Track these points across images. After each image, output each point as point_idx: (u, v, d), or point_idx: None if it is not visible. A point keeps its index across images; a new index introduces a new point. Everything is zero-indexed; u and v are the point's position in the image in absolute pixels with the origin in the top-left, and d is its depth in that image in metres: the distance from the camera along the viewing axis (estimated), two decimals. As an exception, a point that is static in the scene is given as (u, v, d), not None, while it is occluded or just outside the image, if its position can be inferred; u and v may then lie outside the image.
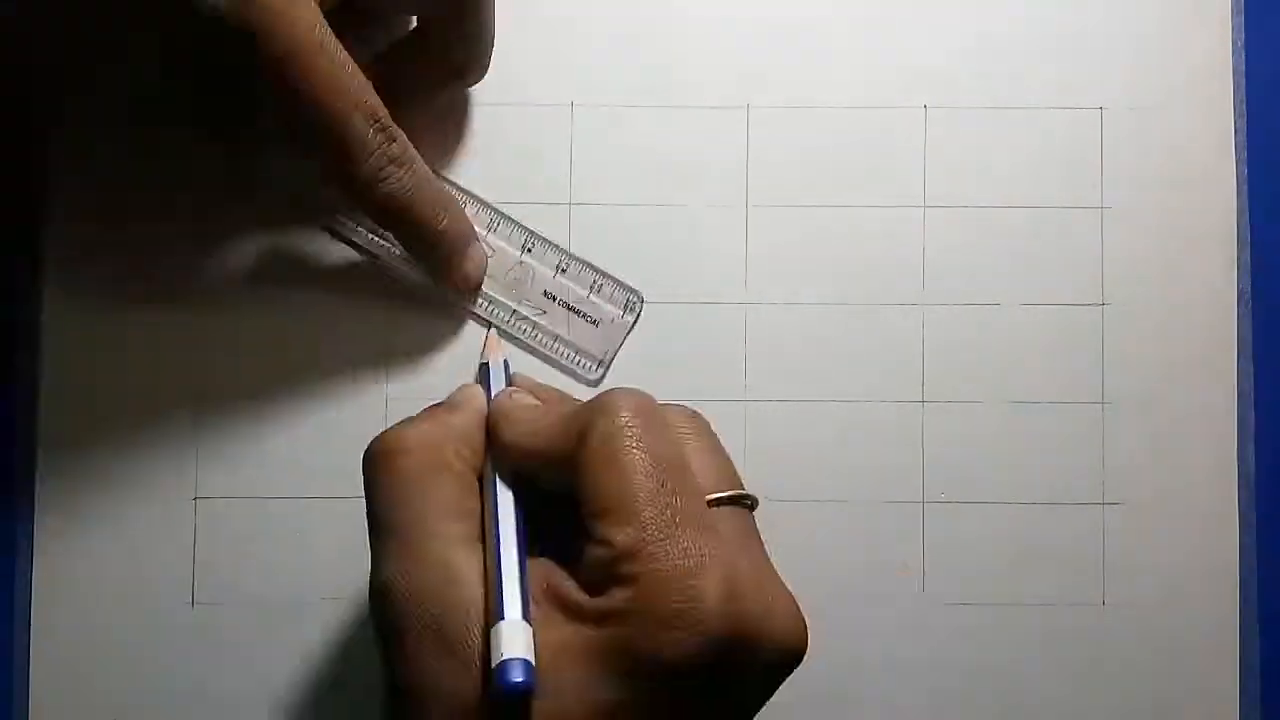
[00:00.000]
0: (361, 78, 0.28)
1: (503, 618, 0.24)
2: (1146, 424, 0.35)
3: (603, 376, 0.34)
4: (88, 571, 0.33)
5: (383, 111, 0.29)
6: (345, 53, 0.28)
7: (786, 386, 0.34)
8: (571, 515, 0.26)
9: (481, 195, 0.34)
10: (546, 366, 0.34)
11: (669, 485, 0.25)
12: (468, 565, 0.26)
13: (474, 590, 0.25)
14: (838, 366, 0.34)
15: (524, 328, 0.34)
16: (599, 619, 0.24)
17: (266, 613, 0.34)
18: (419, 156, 0.30)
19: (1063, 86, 0.35)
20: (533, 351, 0.34)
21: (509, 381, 0.32)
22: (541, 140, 0.35)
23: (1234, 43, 0.35)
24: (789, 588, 0.26)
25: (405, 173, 0.30)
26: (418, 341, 0.34)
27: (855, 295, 0.35)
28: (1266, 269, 0.35)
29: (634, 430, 0.26)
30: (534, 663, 0.23)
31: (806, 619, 0.26)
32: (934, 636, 0.34)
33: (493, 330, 0.34)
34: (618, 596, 0.24)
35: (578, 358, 0.34)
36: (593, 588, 0.25)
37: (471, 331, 0.34)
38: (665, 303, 0.34)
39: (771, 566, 0.27)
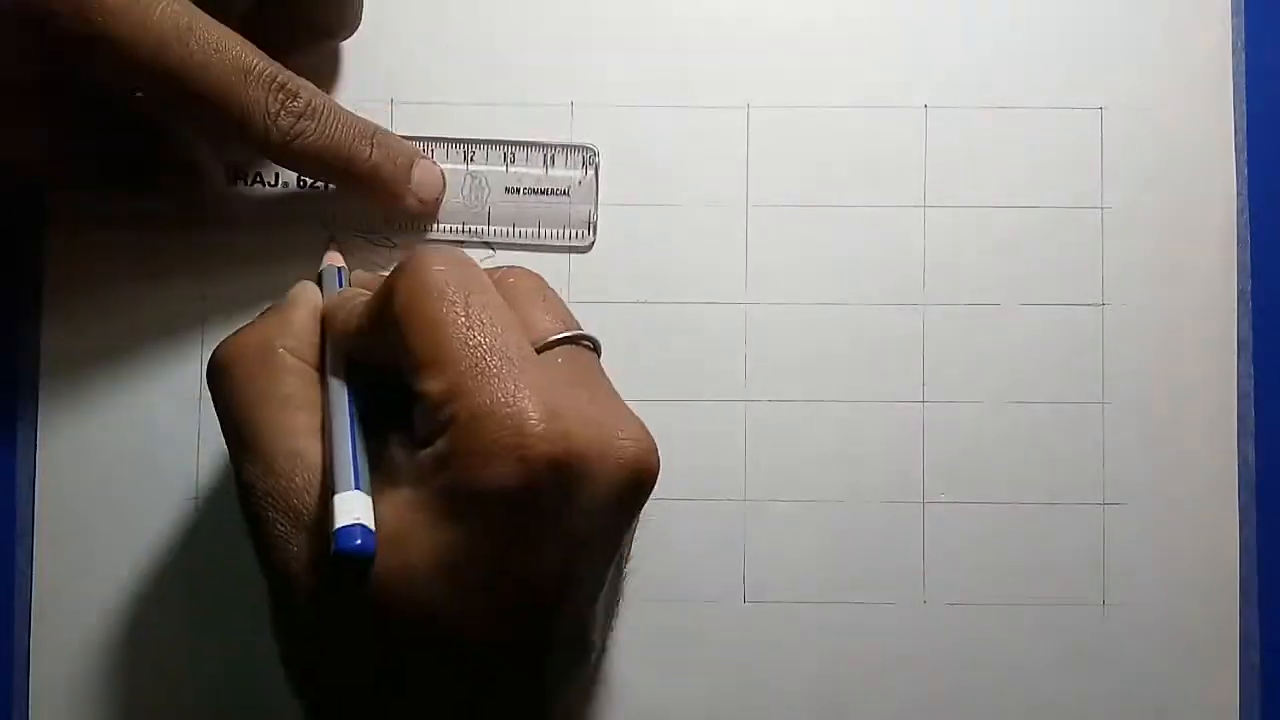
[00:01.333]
0: (241, 44, 0.28)
1: (333, 491, 0.25)
2: (1146, 424, 0.35)
3: (594, 240, 0.34)
4: (88, 571, 0.33)
5: (278, 71, 0.29)
6: (218, 26, 0.28)
7: (786, 386, 0.34)
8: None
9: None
10: (542, 255, 0.34)
11: (480, 327, 0.25)
12: (312, 451, 0.26)
13: (318, 473, 0.26)
14: (838, 366, 0.34)
15: (502, 231, 0.34)
16: (426, 470, 0.24)
17: (266, 613, 0.33)
18: (328, 100, 0.30)
19: (1063, 86, 0.35)
20: (524, 249, 0.34)
21: (345, 282, 0.32)
22: (541, 140, 0.35)
23: (1234, 43, 0.35)
24: (643, 423, 0.26)
25: (316, 124, 0.30)
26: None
27: (855, 295, 0.35)
28: (1266, 269, 0.35)
29: (438, 280, 0.26)
30: (371, 527, 0.24)
31: (656, 447, 0.26)
32: (934, 636, 0.34)
33: (330, 239, 0.34)
34: (440, 444, 0.24)
35: (565, 232, 0.34)
36: (421, 445, 0.25)
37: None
38: (665, 303, 0.34)
39: (615, 398, 0.27)
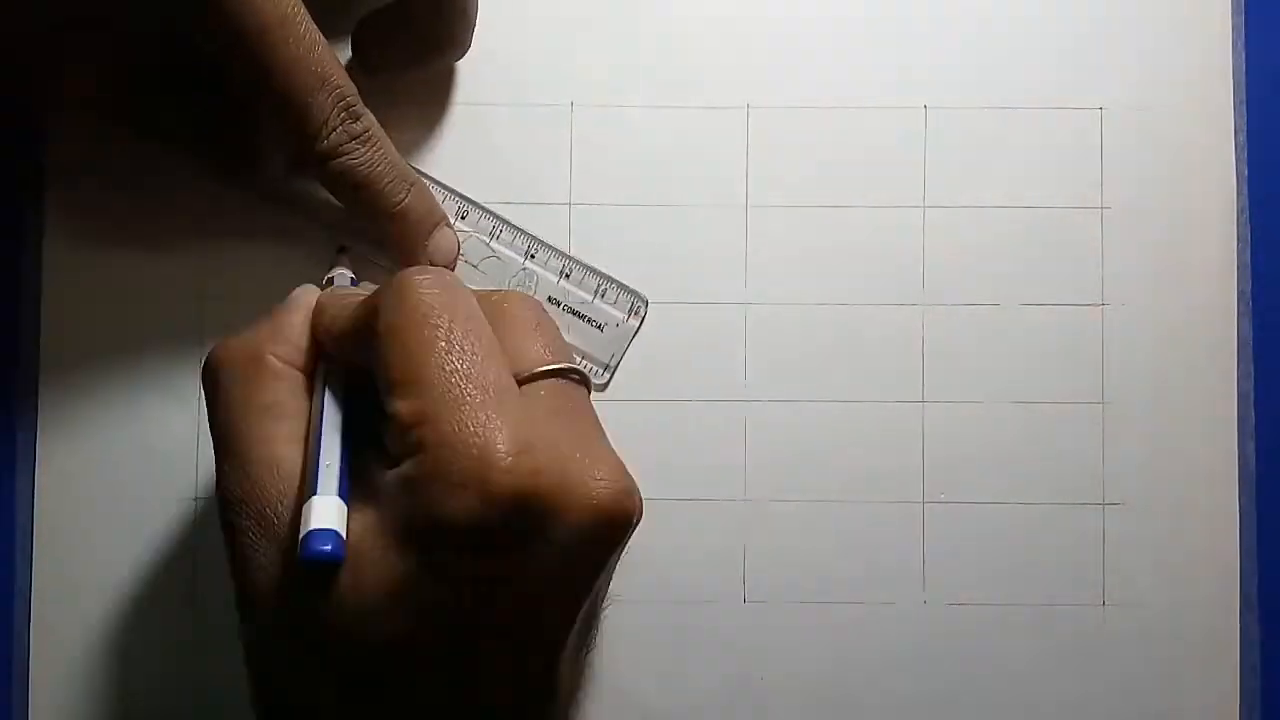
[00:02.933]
0: (327, 52, 0.28)
1: (307, 497, 0.24)
2: (1146, 424, 0.35)
3: (609, 381, 0.34)
4: (88, 571, 0.33)
5: (350, 91, 0.29)
6: (315, 29, 0.28)
7: (786, 386, 0.34)
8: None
9: (482, 197, 0.34)
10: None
11: (460, 354, 0.24)
12: (290, 458, 0.26)
13: (294, 480, 0.25)
14: (838, 366, 0.34)
15: None
16: (391, 493, 0.24)
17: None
18: (384, 135, 0.30)
19: (1063, 86, 0.35)
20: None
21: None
22: (541, 140, 0.35)
23: (1234, 43, 0.35)
24: (624, 465, 0.25)
25: (366, 150, 0.30)
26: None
27: (855, 295, 0.35)
28: (1266, 269, 0.35)
29: (425, 302, 0.25)
30: (343, 534, 0.23)
31: (639, 493, 0.25)
32: (934, 636, 0.34)
33: (341, 250, 0.33)
34: (405, 468, 0.24)
35: (583, 363, 0.34)
36: (390, 464, 0.24)
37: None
38: (665, 303, 0.34)
39: (596, 435, 0.26)
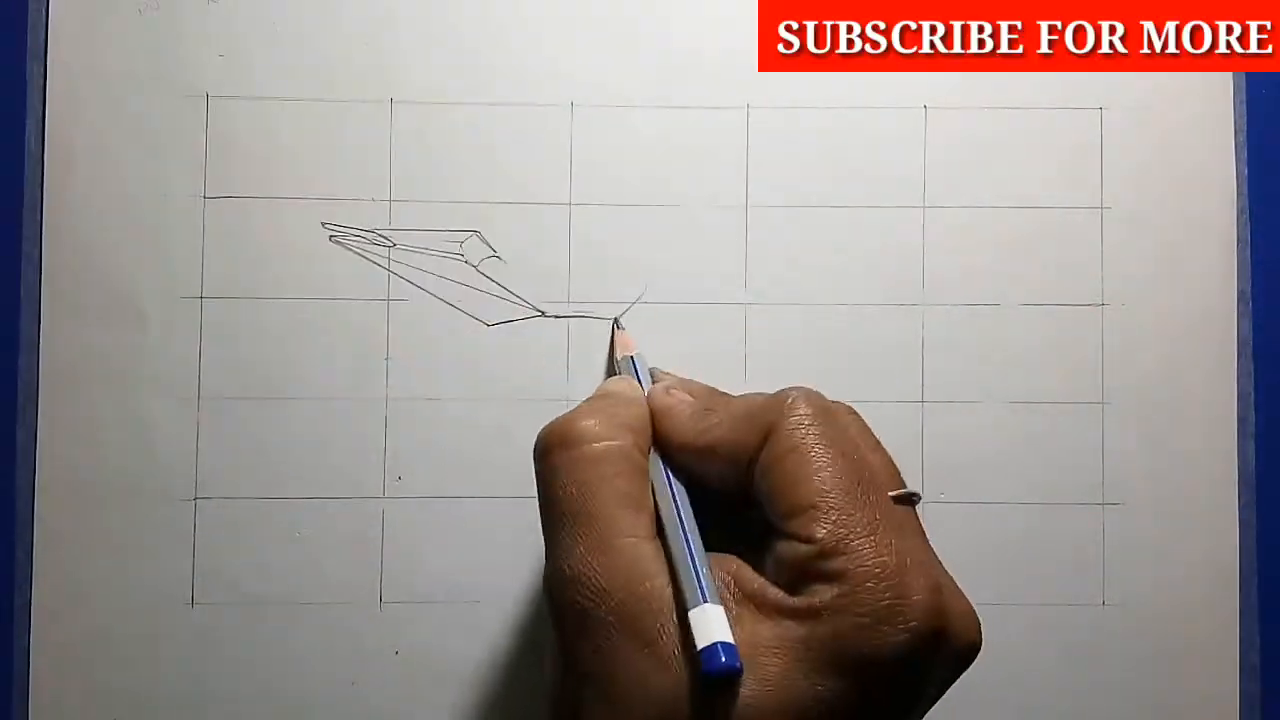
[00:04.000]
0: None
1: (697, 604, 0.24)
2: (1146, 424, 0.35)
3: None
4: (88, 571, 0.33)
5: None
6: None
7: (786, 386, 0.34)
8: (735, 514, 0.26)
9: (483, 197, 0.34)
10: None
11: (863, 482, 0.25)
12: (655, 558, 0.25)
13: (664, 582, 0.25)
14: (838, 366, 0.34)
15: None
16: (802, 616, 0.24)
17: (266, 613, 0.34)
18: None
19: (1063, 86, 0.35)
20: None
21: (649, 378, 0.32)
22: (541, 140, 0.35)
23: (1234, 43, 0.35)
24: None
25: None
26: (418, 341, 0.34)
27: (855, 295, 0.35)
28: (1266, 269, 0.35)
29: (819, 427, 0.26)
30: (733, 643, 0.23)
31: None
32: (934, 636, 0.34)
33: (616, 324, 0.34)
34: (824, 594, 0.24)
35: None
36: (788, 586, 0.24)
37: (470, 330, 0.34)
38: (665, 303, 0.34)
39: (938, 560, 0.27)
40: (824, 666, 0.24)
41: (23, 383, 0.34)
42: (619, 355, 0.33)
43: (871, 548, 0.24)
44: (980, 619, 0.26)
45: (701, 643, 0.23)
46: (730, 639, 0.23)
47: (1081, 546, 0.34)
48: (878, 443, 0.28)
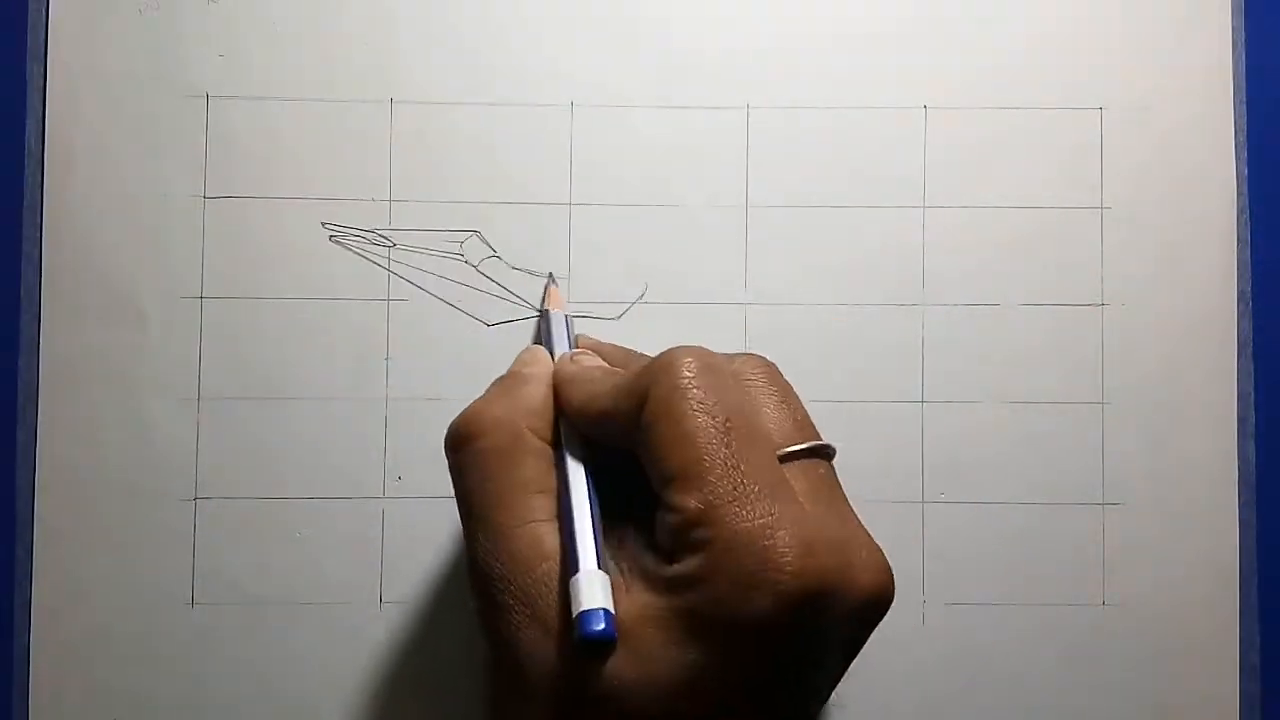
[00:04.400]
0: None
1: (574, 572, 0.24)
2: (1146, 424, 0.35)
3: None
4: (88, 571, 0.33)
5: None
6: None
7: (786, 386, 0.34)
8: (643, 479, 0.26)
9: (483, 197, 0.34)
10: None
11: (736, 445, 0.25)
12: (551, 538, 0.26)
13: (556, 558, 0.25)
14: (838, 366, 0.34)
15: None
16: (674, 585, 0.24)
17: (266, 613, 0.34)
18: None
19: (1063, 86, 0.35)
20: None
21: (571, 339, 0.32)
22: (541, 140, 0.35)
23: (1234, 43, 0.35)
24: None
25: None
26: (418, 341, 0.34)
27: (855, 295, 0.35)
28: (1266, 269, 0.35)
29: (697, 389, 0.25)
30: (612, 610, 0.24)
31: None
32: (934, 636, 0.34)
33: (551, 279, 0.34)
34: (690, 563, 0.24)
35: None
36: (667, 554, 0.24)
37: (470, 330, 0.34)
38: (665, 303, 0.34)
39: (852, 516, 0.26)
40: (692, 636, 0.24)
41: (23, 383, 0.34)
42: (542, 308, 0.33)
43: (737, 514, 0.24)
44: (887, 563, 0.25)
45: (575, 609, 0.24)
46: (604, 604, 0.23)
47: (1081, 546, 0.34)
48: (786, 396, 0.27)
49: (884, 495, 0.34)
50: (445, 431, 0.28)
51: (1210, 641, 0.34)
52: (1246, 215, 0.35)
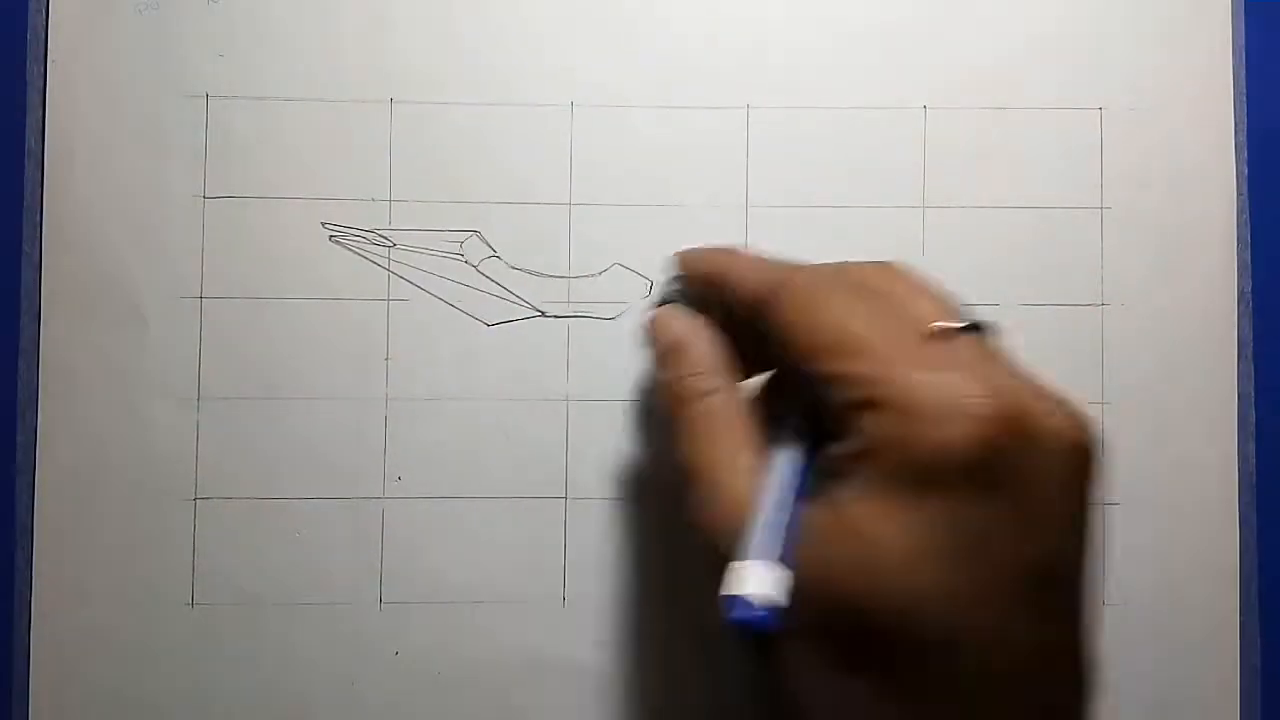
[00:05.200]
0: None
1: (741, 559, 0.24)
2: (1146, 424, 0.35)
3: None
4: (88, 571, 0.33)
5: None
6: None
7: (786, 386, 0.34)
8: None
9: (483, 197, 0.34)
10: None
11: (889, 314, 0.24)
12: (756, 493, 0.26)
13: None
14: (838, 366, 0.34)
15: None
16: (860, 458, 0.23)
17: (266, 613, 0.34)
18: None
19: (1063, 86, 0.35)
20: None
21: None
22: (541, 140, 0.35)
23: (1234, 43, 0.35)
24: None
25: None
26: (418, 341, 0.34)
27: (855, 295, 0.35)
28: (1266, 269, 0.35)
29: (825, 283, 0.26)
30: (769, 596, 0.23)
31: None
32: (934, 636, 0.34)
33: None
34: (867, 423, 0.23)
35: None
36: (839, 432, 0.24)
37: (470, 330, 0.34)
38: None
39: (1028, 373, 0.24)
40: (902, 497, 0.22)
41: (23, 383, 0.34)
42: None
43: (911, 361, 0.23)
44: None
45: (725, 590, 0.24)
46: (751, 590, 0.23)
47: (1081, 546, 0.34)
48: (923, 285, 0.26)
49: (884, 495, 0.34)
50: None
51: (1210, 641, 0.34)
52: (1246, 215, 0.35)
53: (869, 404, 0.23)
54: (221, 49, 0.34)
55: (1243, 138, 0.35)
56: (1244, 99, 0.35)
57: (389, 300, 0.34)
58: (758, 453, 0.27)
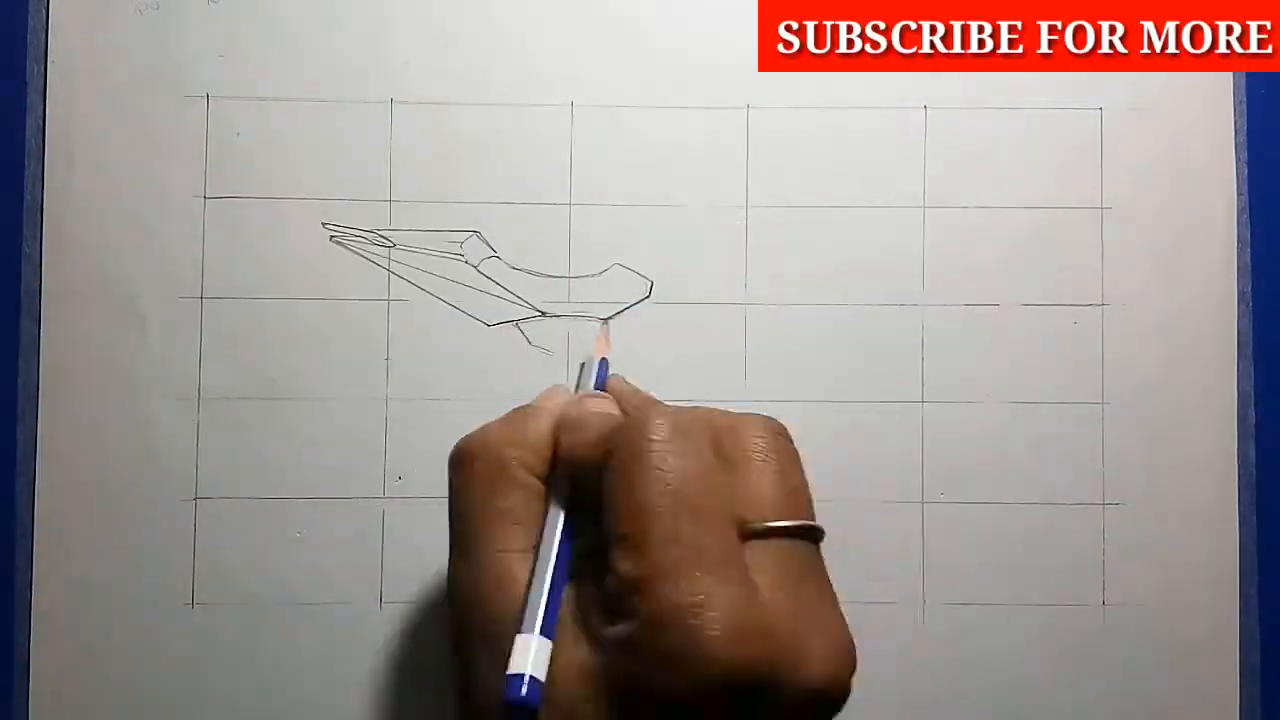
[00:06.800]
0: None
1: (522, 630, 0.24)
2: (1146, 424, 0.35)
3: None
4: (88, 571, 0.33)
5: None
6: None
7: (786, 386, 0.34)
8: None
9: (483, 197, 0.34)
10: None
11: (683, 517, 0.24)
12: (520, 573, 0.26)
13: (518, 601, 0.25)
14: (838, 366, 0.34)
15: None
16: (608, 648, 0.24)
17: (266, 613, 0.34)
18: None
19: (1062, 86, 0.35)
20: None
21: (602, 383, 0.32)
22: (541, 140, 0.35)
23: (1234, 43, 0.35)
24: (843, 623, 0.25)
25: None
26: (418, 341, 0.34)
27: (855, 295, 0.35)
28: (1266, 269, 0.35)
29: (657, 453, 0.25)
30: (540, 678, 0.24)
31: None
32: (934, 636, 0.34)
33: (604, 326, 0.34)
34: (623, 629, 0.23)
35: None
36: (610, 615, 0.24)
37: (470, 330, 0.34)
38: (665, 303, 0.34)
39: (824, 602, 0.25)
40: (613, 698, 0.23)
41: (23, 383, 0.34)
42: (587, 357, 0.33)
43: (670, 589, 0.23)
44: (851, 655, 0.24)
45: (509, 670, 0.24)
46: (531, 670, 0.23)
47: (1081, 547, 0.34)
48: (784, 468, 0.26)
49: (884, 495, 0.34)
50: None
51: (1210, 641, 0.34)
52: (1246, 215, 0.35)
53: (629, 612, 0.23)
54: (222, 49, 0.34)
55: (1243, 138, 0.35)
56: (1244, 99, 0.35)
57: (389, 300, 0.34)
58: (531, 525, 0.27)
